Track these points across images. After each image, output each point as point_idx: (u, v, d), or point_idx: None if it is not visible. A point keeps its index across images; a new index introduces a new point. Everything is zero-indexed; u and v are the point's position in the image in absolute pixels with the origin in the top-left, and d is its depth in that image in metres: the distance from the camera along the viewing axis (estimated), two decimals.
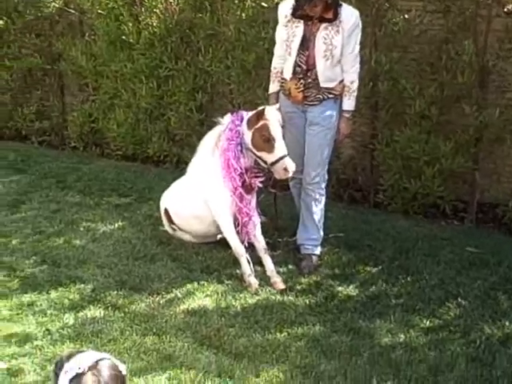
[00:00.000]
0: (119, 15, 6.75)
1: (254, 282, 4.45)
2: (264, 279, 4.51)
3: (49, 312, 4.10)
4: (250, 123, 4.52)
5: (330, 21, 4.42)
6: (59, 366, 2.06)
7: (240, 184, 4.58)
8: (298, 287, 4.45)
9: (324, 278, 4.57)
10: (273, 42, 4.91)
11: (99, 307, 4.15)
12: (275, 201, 5.03)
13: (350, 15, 4.45)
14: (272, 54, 4.85)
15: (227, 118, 4.68)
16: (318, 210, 4.78)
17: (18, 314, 4.08)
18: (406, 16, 5.54)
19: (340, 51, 4.47)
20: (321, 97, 4.59)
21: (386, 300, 4.27)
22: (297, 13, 4.48)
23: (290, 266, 4.73)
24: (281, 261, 4.77)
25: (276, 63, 4.76)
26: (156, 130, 6.90)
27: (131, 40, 6.65)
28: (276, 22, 4.78)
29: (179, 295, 4.31)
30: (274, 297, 4.31)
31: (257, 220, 4.71)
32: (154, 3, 6.54)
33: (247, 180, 4.60)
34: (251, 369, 3.55)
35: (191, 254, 4.86)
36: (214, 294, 4.33)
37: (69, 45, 7.29)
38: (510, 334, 3.89)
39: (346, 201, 5.95)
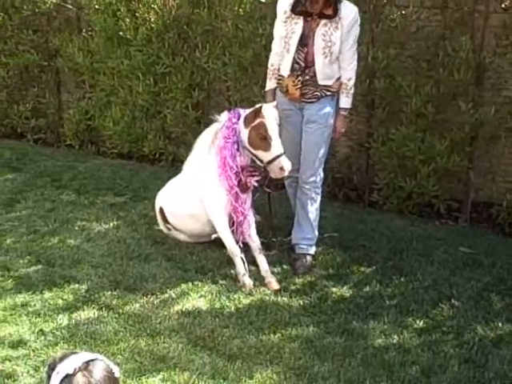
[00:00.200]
0: (117, 11, 6.71)
1: (248, 282, 4.45)
2: (258, 279, 4.51)
3: (42, 312, 4.09)
4: (247, 121, 4.51)
5: (329, 17, 4.40)
6: (52, 367, 2.05)
7: (236, 183, 4.58)
8: (293, 287, 4.45)
9: (318, 279, 4.57)
10: (270, 39, 4.89)
11: (93, 308, 4.15)
12: (269, 200, 5.02)
13: (349, 11, 4.43)
14: (269, 50, 4.82)
15: (224, 116, 4.67)
16: (313, 209, 4.77)
17: (11, 315, 4.08)
18: (404, 12, 5.53)
19: (339, 48, 4.45)
20: (318, 94, 4.58)
21: (380, 301, 4.27)
22: (296, 9, 4.45)
23: (285, 266, 4.73)
24: (275, 261, 4.77)
25: (273, 60, 4.73)
26: (152, 128, 6.89)
27: (128, 36, 6.63)
28: (273, 18, 4.76)
29: (173, 295, 4.31)
30: (268, 297, 4.32)
31: (252, 219, 4.71)
32: None
33: (243, 179, 4.60)
34: (245, 370, 3.56)
35: (186, 254, 4.86)
36: (209, 295, 4.33)
37: (66, 41, 7.26)
38: (503, 336, 3.90)
39: (340, 200, 5.94)
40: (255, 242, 4.65)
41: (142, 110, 6.91)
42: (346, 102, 4.66)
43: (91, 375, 2.00)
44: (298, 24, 4.47)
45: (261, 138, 4.44)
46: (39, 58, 7.57)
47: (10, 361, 3.62)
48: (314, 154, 4.68)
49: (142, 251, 4.89)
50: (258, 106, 4.53)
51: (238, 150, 4.57)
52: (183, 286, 4.43)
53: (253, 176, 4.65)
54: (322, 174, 4.79)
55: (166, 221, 5.03)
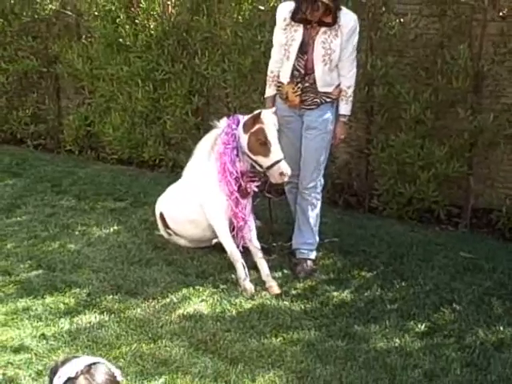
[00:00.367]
0: (116, 17, 6.74)
1: (249, 286, 4.45)
2: (259, 284, 4.51)
3: (44, 317, 4.09)
4: (246, 127, 4.53)
5: (329, 25, 4.41)
6: (54, 371, 2.06)
7: (236, 188, 4.59)
8: (294, 292, 4.46)
9: (319, 283, 4.57)
10: (269, 46, 4.91)
11: (95, 312, 4.14)
12: (270, 205, 5.04)
13: (349, 19, 4.45)
14: (268, 57, 4.84)
15: (223, 122, 4.69)
16: (313, 215, 4.79)
17: (13, 319, 4.07)
18: (402, 20, 5.55)
19: (338, 55, 4.47)
20: (318, 101, 4.60)
21: (381, 305, 4.28)
22: (296, 16, 4.45)
23: (286, 271, 4.74)
24: (276, 265, 4.77)
25: (273, 67, 4.74)
26: (152, 134, 6.91)
27: (128, 42, 6.65)
28: (272, 25, 4.78)
29: (175, 300, 4.31)
30: (269, 301, 4.32)
31: (252, 224, 4.72)
32: (151, 6, 6.55)
33: (243, 184, 4.61)
34: (247, 373, 3.56)
35: (186, 259, 4.87)
36: (210, 299, 4.33)
37: (65, 47, 7.29)
38: (505, 339, 3.90)
39: (340, 206, 5.95)
40: (256, 247, 4.66)
41: (142, 116, 6.93)
42: (345, 108, 4.68)
43: (93, 378, 2.01)
44: (298, 31, 4.49)
45: (260, 144, 4.47)
46: (39, 64, 7.59)
47: (12, 365, 3.61)
48: (314, 159, 4.69)
49: (143, 256, 4.90)
50: (256, 111, 4.55)
51: (237, 155, 4.59)
52: (184, 290, 4.43)
53: (253, 181, 4.67)
54: (322, 180, 4.80)
55: (166, 226, 5.04)
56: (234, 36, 6.17)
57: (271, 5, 5.83)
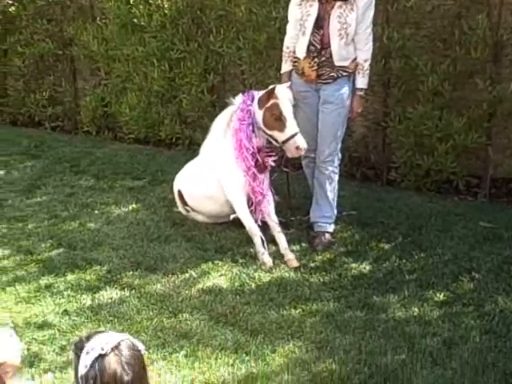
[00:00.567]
0: None
1: (268, 260, 4.48)
2: (278, 257, 4.54)
3: (66, 294, 4.14)
4: (261, 102, 4.53)
5: None
6: (80, 347, 2.09)
7: (253, 163, 4.60)
8: (312, 265, 4.47)
9: (337, 256, 4.58)
10: (284, 22, 4.90)
11: (115, 288, 4.19)
12: (288, 180, 5.04)
13: None
14: (283, 33, 4.83)
15: (239, 99, 4.70)
16: (331, 188, 4.79)
17: (36, 297, 4.13)
18: None
19: (354, 29, 4.44)
20: (335, 75, 4.58)
21: (400, 275, 4.28)
22: None
23: (304, 244, 4.75)
24: (294, 239, 4.79)
25: (288, 43, 4.73)
26: (168, 113, 6.93)
27: (142, 23, 6.65)
28: (287, 1, 4.76)
29: (194, 275, 4.34)
30: (288, 274, 4.34)
31: (270, 199, 4.74)
32: None
33: (260, 159, 4.62)
34: (267, 344, 3.58)
35: (205, 235, 4.90)
36: (229, 273, 4.36)
37: (80, 29, 7.33)
38: None
39: (358, 179, 5.95)
40: (274, 221, 4.68)
41: (158, 96, 6.95)
42: (362, 82, 4.66)
43: (122, 354, 2.04)
44: (314, 6, 4.46)
45: (275, 119, 4.46)
46: (54, 46, 7.65)
47: (36, 341, 3.66)
48: (331, 134, 4.69)
49: (162, 233, 4.94)
50: (271, 87, 4.55)
51: (253, 131, 4.60)
52: (203, 265, 4.47)
53: (270, 156, 4.68)
54: (339, 154, 4.80)
55: (184, 203, 5.07)
56: (248, 13, 6.15)
57: None
